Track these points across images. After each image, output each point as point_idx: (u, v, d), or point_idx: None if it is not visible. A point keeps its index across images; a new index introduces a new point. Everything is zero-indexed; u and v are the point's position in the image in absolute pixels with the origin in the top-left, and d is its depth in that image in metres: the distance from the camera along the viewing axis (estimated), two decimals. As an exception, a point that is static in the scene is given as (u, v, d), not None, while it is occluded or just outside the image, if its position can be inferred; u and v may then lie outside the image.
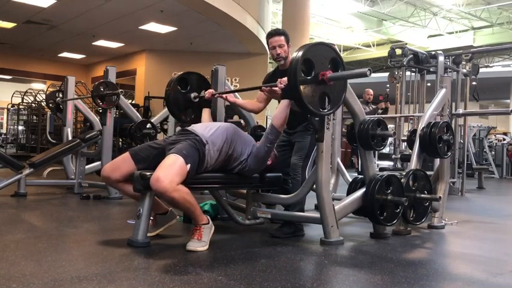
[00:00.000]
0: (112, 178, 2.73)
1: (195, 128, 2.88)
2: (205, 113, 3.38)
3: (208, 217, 2.69)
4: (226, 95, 3.36)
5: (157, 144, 2.84)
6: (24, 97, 13.02)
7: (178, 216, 3.05)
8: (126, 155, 2.77)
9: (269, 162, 3.06)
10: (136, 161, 2.72)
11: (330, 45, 2.71)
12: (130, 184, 2.70)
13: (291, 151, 3.24)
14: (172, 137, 2.86)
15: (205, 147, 2.73)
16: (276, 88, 2.89)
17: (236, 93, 3.94)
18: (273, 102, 3.50)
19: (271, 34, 3.22)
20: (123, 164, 2.73)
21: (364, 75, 2.43)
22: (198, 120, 3.39)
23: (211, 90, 3.36)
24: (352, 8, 16.66)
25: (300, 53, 2.51)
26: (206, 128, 2.87)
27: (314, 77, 2.54)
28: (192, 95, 3.44)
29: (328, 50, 2.66)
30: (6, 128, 16.06)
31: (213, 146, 2.77)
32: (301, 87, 2.49)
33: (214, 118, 3.56)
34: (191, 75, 3.50)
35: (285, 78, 2.72)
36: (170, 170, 2.47)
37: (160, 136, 5.99)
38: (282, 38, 3.17)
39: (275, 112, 2.92)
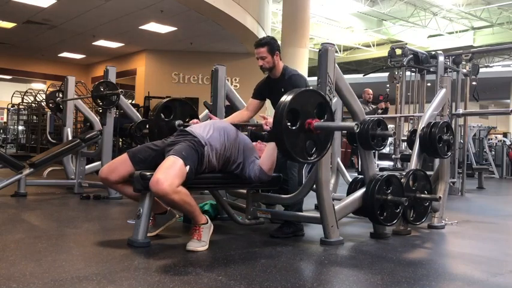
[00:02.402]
0: (110, 179, 2.72)
1: (193, 129, 2.88)
2: None
3: (207, 217, 2.69)
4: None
5: (156, 145, 2.82)
6: (24, 97, 13.03)
7: (177, 216, 3.05)
8: (124, 156, 2.75)
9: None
10: (134, 163, 2.71)
11: (316, 91, 2.66)
12: (129, 185, 2.70)
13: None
14: (171, 138, 2.85)
15: (204, 148, 2.73)
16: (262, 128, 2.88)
17: (235, 96, 3.94)
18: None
19: (255, 45, 3.19)
20: (121, 165, 2.72)
21: (351, 129, 2.42)
22: None
23: (196, 120, 3.31)
24: (352, 8, 16.66)
25: (288, 100, 2.42)
26: (204, 129, 2.86)
27: (300, 126, 2.46)
28: (177, 122, 3.39)
29: (315, 96, 2.60)
30: (6, 128, 16.07)
31: (212, 147, 2.76)
32: (286, 136, 2.41)
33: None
34: (175, 103, 3.45)
35: (271, 120, 2.64)
36: (170, 172, 2.46)
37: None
38: (264, 49, 3.13)
39: (263, 156, 2.89)
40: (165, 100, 3.46)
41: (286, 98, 2.45)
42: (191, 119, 3.38)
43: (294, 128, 2.44)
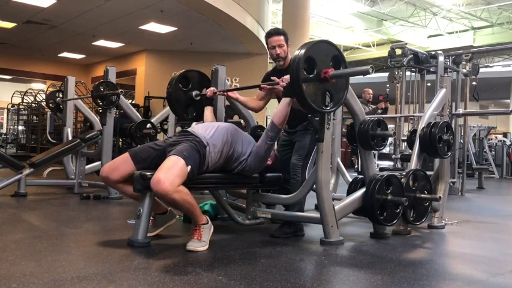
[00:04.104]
0: (111, 178, 2.72)
1: (195, 129, 2.88)
2: (208, 110, 3.38)
3: (207, 217, 2.69)
4: (228, 92, 3.38)
5: (158, 145, 2.83)
6: (24, 97, 13.03)
7: (178, 216, 3.05)
8: (126, 155, 2.76)
9: (269, 162, 3.06)
10: (136, 162, 2.72)
11: (331, 43, 2.71)
12: (130, 185, 2.69)
13: (292, 151, 3.24)
14: (173, 138, 2.86)
15: (205, 148, 2.73)
16: (277, 86, 2.90)
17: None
18: (273, 102, 3.50)
19: (271, 34, 3.21)
20: (123, 164, 2.73)
21: (366, 72, 2.45)
22: (199, 118, 3.40)
23: (212, 88, 3.36)
24: (352, 8, 16.68)
25: (302, 51, 2.52)
26: (207, 129, 2.87)
27: (316, 75, 2.55)
28: (194, 93, 3.46)
29: (329, 48, 2.67)
30: (6, 128, 16.07)
31: (214, 148, 2.77)
32: (304, 85, 2.50)
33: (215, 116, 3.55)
34: (192, 73, 3.53)
35: (287, 76, 2.73)
36: (171, 172, 2.47)
37: (160, 136, 5.99)
38: (282, 37, 3.17)
39: (276, 110, 2.94)
40: (183, 70, 3.55)
41: (301, 50, 2.53)
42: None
43: (311, 76, 2.52)
